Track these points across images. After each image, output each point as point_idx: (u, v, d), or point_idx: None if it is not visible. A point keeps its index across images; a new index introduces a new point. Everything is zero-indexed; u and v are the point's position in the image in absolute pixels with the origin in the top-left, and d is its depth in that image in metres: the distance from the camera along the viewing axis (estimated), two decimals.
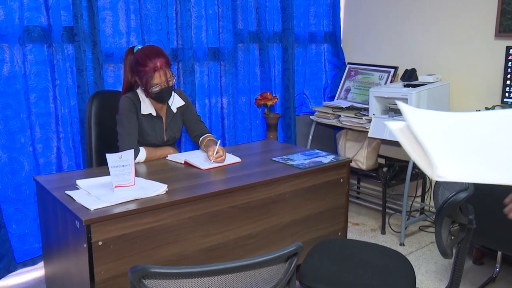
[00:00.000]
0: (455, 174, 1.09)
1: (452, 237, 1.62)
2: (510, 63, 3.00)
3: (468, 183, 1.40)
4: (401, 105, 1.11)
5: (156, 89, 2.26)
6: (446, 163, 1.09)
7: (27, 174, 2.65)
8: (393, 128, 1.18)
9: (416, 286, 1.78)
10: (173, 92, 2.40)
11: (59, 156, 2.77)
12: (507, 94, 3.03)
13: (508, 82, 3.02)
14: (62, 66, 2.69)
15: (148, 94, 2.31)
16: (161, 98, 2.32)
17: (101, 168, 2.22)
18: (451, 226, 1.63)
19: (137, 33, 3.01)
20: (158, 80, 2.25)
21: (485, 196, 2.29)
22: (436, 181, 1.69)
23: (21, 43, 2.55)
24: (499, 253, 2.71)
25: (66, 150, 2.77)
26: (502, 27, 3.14)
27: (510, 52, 2.99)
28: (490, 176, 1.12)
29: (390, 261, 1.84)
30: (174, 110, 2.45)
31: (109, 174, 1.83)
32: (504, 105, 3.05)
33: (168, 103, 2.43)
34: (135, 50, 2.35)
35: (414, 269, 1.86)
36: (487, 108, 3.03)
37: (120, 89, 2.47)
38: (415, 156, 1.13)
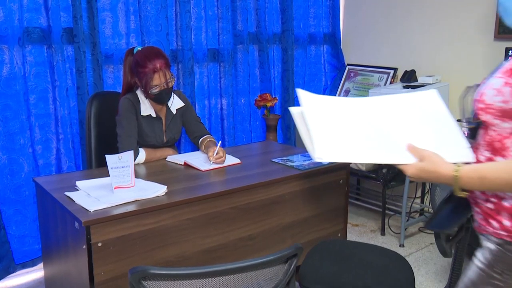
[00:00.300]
0: (332, 156, 1.25)
1: (451, 237, 1.62)
2: None
3: None
4: (298, 91, 1.28)
5: (155, 90, 2.27)
6: (325, 146, 1.24)
7: (26, 175, 2.65)
8: (293, 112, 1.35)
9: (416, 287, 1.79)
10: (172, 93, 2.40)
11: (59, 157, 2.77)
12: None
13: None
14: (61, 67, 2.69)
15: (147, 95, 2.31)
16: (160, 99, 2.32)
17: (101, 169, 2.22)
18: None
19: (136, 34, 3.01)
20: (158, 81, 2.25)
21: None
22: (432, 183, 1.71)
23: (20, 44, 2.55)
24: None
25: (66, 151, 2.77)
26: (501, 29, 3.15)
27: (510, 54, 2.99)
28: (368, 156, 1.27)
29: (390, 261, 1.84)
30: (174, 111, 2.45)
31: (109, 175, 1.83)
32: None
33: (167, 104, 2.43)
34: (134, 51, 2.35)
35: (414, 270, 1.86)
36: None
37: (120, 90, 2.47)
38: (305, 138, 1.28)
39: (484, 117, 1.25)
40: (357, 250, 1.95)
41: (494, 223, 1.22)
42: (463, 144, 1.29)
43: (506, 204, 1.19)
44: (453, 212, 1.43)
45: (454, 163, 1.20)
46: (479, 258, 1.29)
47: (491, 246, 1.23)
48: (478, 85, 1.34)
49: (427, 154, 1.21)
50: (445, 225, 1.44)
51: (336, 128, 1.29)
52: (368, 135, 1.28)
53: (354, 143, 1.27)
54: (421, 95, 1.42)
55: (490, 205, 1.23)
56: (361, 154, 1.26)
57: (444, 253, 1.50)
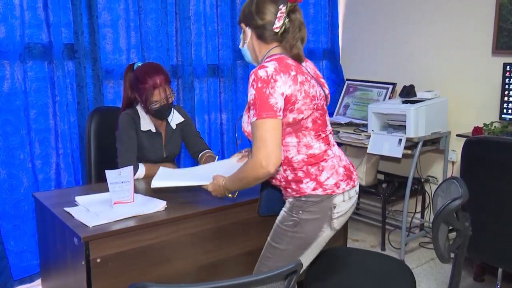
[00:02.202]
0: (161, 183, 1.93)
1: (450, 242, 1.68)
2: (507, 79, 3.02)
3: (462, 192, 1.58)
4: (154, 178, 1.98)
5: (155, 106, 2.27)
6: (158, 180, 1.95)
7: (25, 191, 2.65)
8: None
9: None
10: (172, 108, 2.41)
11: (58, 172, 2.77)
12: (504, 110, 3.05)
13: (505, 98, 3.04)
14: (62, 82, 2.71)
15: (147, 111, 2.32)
16: (160, 115, 2.33)
17: (100, 184, 2.21)
18: (448, 232, 1.69)
19: (137, 50, 3.03)
20: (158, 97, 2.26)
21: (483, 213, 2.29)
22: (434, 192, 1.87)
23: (21, 60, 2.57)
24: (500, 270, 2.69)
25: (65, 166, 2.77)
26: (499, 44, 3.17)
27: (507, 69, 3.01)
28: (185, 182, 1.96)
29: (391, 268, 1.89)
30: (174, 127, 2.46)
31: (108, 191, 1.83)
32: (502, 121, 3.06)
33: (167, 120, 2.43)
34: (135, 67, 2.36)
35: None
36: (485, 125, 3.04)
37: (120, 105, 2.48)
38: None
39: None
40: (359, 257, 2.02)
41: (289, 189, 1.74)
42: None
43: (289, 178, 1.72)
44: (271, 197, 1.89)
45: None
46: (278, 219, 1.76)
47: (289, 200, 1.74)
48: None
49: (215, 176, 1.84)
50: (274, 208, 1.86)
51: (170, 176, 2.04)
52: (188, 174, 2.11)
53: (178, 178, 2.04)
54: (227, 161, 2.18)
55: (284, 183, 1.75)
56: (181, 182, 1.97)
57: (442, 258, 1.61)
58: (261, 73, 1.60)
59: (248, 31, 1.75)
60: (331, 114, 4.08)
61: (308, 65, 1.83)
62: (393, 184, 3.44)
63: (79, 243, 1.60)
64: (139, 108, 2.37)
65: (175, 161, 2.61)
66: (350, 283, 1.82)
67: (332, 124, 3.64)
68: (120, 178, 1.83)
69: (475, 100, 3.34)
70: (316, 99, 1.69)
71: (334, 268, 1.91)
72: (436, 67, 3.56)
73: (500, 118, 3.07)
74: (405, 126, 3.14)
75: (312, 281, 1.84)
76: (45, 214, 1.94)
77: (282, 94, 1.59)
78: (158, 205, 1.84)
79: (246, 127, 1.76)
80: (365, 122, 3.44)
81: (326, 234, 1.72)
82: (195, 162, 2.63)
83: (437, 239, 1.61)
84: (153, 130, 2.38)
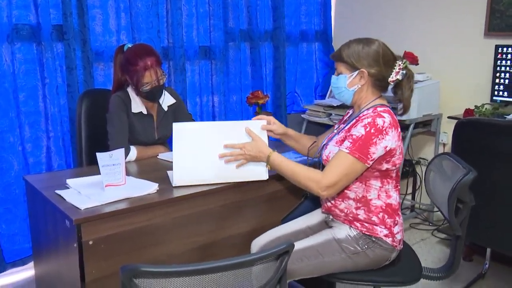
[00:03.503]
0: (185, 182, 1.87)
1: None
2: (499, 61, 3.02)
3: (469, 168, 1.72)
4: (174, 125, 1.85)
5: (146, 88, 2.25)
6: (179, 175, 1.86)
7: (16, 174, 2.63)
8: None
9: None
10: (164, 90, 2.40)
11: (49, 156, 2.75)
12: (496, 93, 3.06)
13: (497, 80, 3.04)
14: (51, 64, 2.67)
15: (138, 93, 2.30)
16: (152, 96, 2.31)
17: (92, 167, 2.20)
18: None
19: (127, 32, 2.99)
20: (149, 79, 2.24)
21: (473, 194, 2.31)
22: (427, 168, 2.02)
23: (9, 42, 2.53)
24: (488, 250, 2.74)
25: (56, 149, 2.75)
26: (492, 26, 3.17)
27: (499, 51, 3.01)
28: (210, 179, 1.89)
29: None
30: (165, 109, 2.44)
31: (100, 173, 1.82)
32: (493, 103, 3.08)
33: (159, 102, 2.41)
34: (125, 48, 2.33)
35: None
36: (476, 107, 3.05)
37: (111, 88, 2.46)
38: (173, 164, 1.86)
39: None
40: None
41: (357, 224, 1.80)
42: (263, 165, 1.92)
43: (360, 218, 1.80)
44: (304, 211, 2.04)
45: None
46: (337, 235, 1.81)
47: (354, 231, 1.80)
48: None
49: (261, 141, 1.89)
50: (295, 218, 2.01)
51: (190, 156, 1.86)
52: (213, 160, 1.89)
53: (200, 168, 1.88)
54: (251, 123, 1.95)
55: (350, 218, 1.81)
56: (205, 178, 1.89)
57: (457, 230, 1.80)
58: (379, 121, 1.70)
59: (365, 77, 1.79)
60: (323, 96, 4.07)
61: None
62: None
63: (71, 225, 1.60)
64: (130, 90, 2.35)
65: (167, 143, 2.60)
66: None
67: (325, 106, 3.64)
68: (111, 160, 1.82)
69: (467, 82, 3.35)
70: (403, 155, 1.84)
71: None
72: (429, 50, 3.55)
73: (491, 100, 3.08)
74: (396, 108, 3.14)
75: None
76: (36, 197, 1.93)
77: (386, 147, 1.70)
78: (150, 188, 1.84)
79: (331, 157, 1.77)
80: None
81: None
82: None
83: (453, 213, 1.73)
84: (145, 112, 2.37)
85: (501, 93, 3.03)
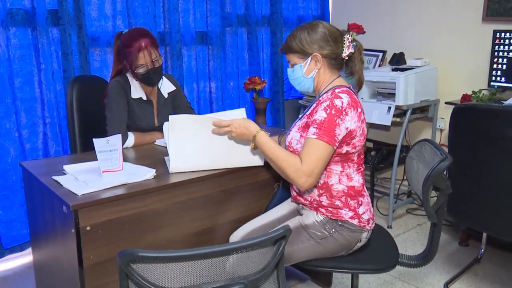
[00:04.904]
0: (182, 168, 1.88)
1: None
2: (497, 46, 3.01)
3: (446, 154, 1.70)
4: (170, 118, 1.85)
5: (141, 70, 2.23)
6: (176, 163, 1.87)
7: (13, 160, 2.62)
8: (164, 128, 1.96)
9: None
10: (162, 76, 2.38)
11: (46, 142, 2.74)
12: (493, 78, 3.05)
13: (494, 65, 3.04)
14: (47, 50, 2.65)
15: (135, 76, 2.28)
16: (148, 80, 2.28)
17: (89, 153, 2.20)
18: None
19: (123, 17, 2.96)
20: (143, 60, 2.22)
21: (470, 179, 2.32)
22: (407, 155, 2.05)
23: (4, 27, 2.51)
24: (484, 235, 2.75)
25: (53, 135, 2.74)
26: (490, 11, 3.15)
27: (497, 36, 3.00)
28: (206, 165, 1.91)
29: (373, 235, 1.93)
30: (165, 95, 2.42)
31: (97, 159, 1.82)
32: (490, 88, 3.07)
33: (159, 88, 2.40)
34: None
35: (401, 251, 1.90)
36: (473, 92, 3.05)
37: (106, 74, 2.44)
38: (169, 150, 1.87)
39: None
40: None
41: (322, 210, 1.81)
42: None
43: (324, 204, 1.81)
44: (283, 198, 2.05)
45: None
46: (303, 222, 1.82)
47: (320, 216, 1.81)
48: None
49: (249, 121, 1.82)
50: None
51: (188, 143, 1.87)
52: (208, 149, 1.90)
53: (198, 155, 1.89)
54: (235, 112, 1.93)
55: (315, 205, 1.83)
56: (203, 164, 1.91)
57: (432, 217, 1.78)
58: (337, 102, 1.69)
59: (319, 60, 1.78)
60: None
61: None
62: (381, 152, 3.46)
63: (68, 211, 1.60)
64: (129, 76, 2.33)
65: None
66: None
67: None
68: (108, 146, 1.81)
69: (465, 67, 3.34)
70: (365, 137, 1.80)
71: None
72: (426, 35, 3.53)
73: (489, 85, 3.08)
74: (394, 94, 3.14)
75: None
76: (33, 183, 1.93)
77: (347, 128, 1.69)
78: (147, 173, 1.84)
79: (295, 144, 1.79)
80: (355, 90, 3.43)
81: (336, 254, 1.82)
82: None
83: (428, 200, 1.72)
84: (144, 98, 2.35)
85: (498, 78, 3.03)
